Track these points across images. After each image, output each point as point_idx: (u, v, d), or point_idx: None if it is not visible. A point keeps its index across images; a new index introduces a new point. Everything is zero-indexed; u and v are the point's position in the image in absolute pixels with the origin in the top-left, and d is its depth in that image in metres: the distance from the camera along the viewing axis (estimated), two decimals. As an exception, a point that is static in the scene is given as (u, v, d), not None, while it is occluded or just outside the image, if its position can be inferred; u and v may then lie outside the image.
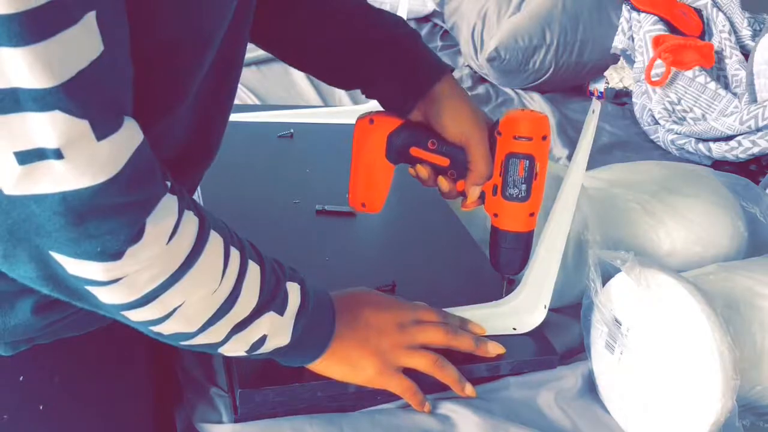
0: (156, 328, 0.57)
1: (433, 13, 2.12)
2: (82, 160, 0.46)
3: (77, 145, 0.45)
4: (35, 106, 0.43)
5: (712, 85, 1.50)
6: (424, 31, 2.08)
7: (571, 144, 1.46)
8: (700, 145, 1.44)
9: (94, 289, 0.52)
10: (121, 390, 0.73)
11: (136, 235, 0.50)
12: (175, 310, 0.55)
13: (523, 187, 0.74)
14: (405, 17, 1.36)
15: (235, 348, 0.62)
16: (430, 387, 0.73)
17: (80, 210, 0.47)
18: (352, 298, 0.72)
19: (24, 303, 0.60)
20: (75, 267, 0.50)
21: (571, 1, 1.75)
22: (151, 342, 0.77)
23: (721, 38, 1.63)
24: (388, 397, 0.72)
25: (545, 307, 0.80)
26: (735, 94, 1.51)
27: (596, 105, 0.74)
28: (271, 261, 0.64)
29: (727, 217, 0.96)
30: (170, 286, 0.54)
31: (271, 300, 0.62)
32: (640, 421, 0.73)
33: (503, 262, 0.78)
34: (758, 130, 1.37)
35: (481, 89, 1.72)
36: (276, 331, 0.63)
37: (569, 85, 1.79)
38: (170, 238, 0.52)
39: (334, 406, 0.71)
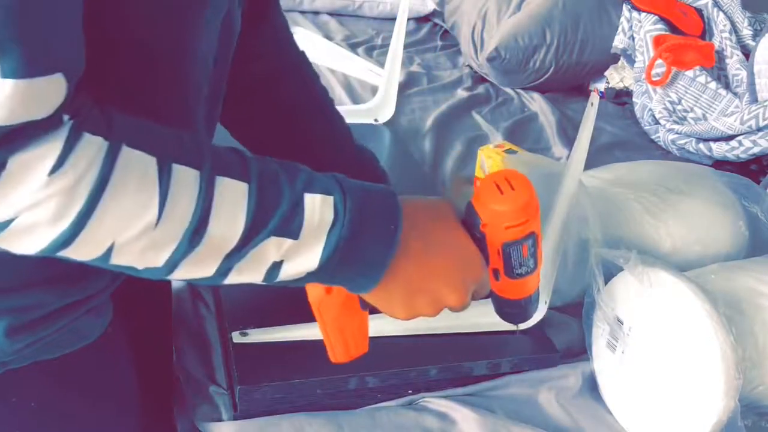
0: (114, 265, 0.49)
1: (433, 13, 2.12)
2: None
3: None
4: None
5: (713, 84, 1.49)
6: (424, 31, 2.08)
7: (571, 144, 1.45)
8: (701, 145, 1.44)
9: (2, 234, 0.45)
10: (104, 413, 0.69)
11: None
12: (110, 249, 0.47)
13: (531, 261, 0.63)
14: (406, 17, 1.36)
15: (245, 278, 0.52)
16: (427, 386, 0.72)
17: None
18: (426, 212, 0.58)
19: None
20: None
21: (571, 0, 1.75)
22: (144, 349, 0.75)
23: (721, 38, 1.63)
24: (388, 395, 0.72)
25: (545, 302, 0.79)
26: (736, 94, 1.50)
27: (594, 98, 0.75)
28: (274, 172, 0.52)
29: (727, 216, 0.96)
30: (83, 223, 0.46)
31: (266, 222, 0.50)
32: (642, 419, 0.73)
33: (514, 320, 0.68)
34: (759, 129, 1.36)
35: (481, 89, 1.72)
36: (292, 256, 0.51)
37: (569, 84, 1.79)
38: (53, 171, 0.44)
39: (333, 403, 0.71)
